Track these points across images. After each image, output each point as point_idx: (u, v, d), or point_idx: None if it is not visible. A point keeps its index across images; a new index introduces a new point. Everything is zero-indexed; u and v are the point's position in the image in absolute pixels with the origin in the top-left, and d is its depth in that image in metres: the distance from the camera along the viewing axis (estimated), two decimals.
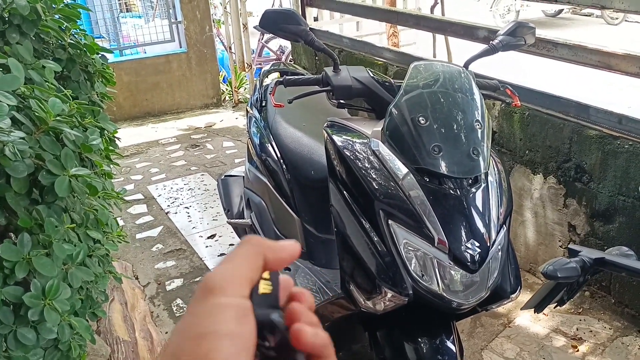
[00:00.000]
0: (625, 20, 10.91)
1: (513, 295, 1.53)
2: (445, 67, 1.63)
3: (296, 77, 1.82)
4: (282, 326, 0.38)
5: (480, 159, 1.47)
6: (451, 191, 1.44)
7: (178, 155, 4.51)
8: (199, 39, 5.46)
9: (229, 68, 6.22)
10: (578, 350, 2.19)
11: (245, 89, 6.08)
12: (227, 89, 6.14)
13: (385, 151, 1.51)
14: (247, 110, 2.71)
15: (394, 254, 1.43)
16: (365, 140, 1.57)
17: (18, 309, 1.15)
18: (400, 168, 1.47)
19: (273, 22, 1.74)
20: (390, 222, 1.44)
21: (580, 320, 2.33)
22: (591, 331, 2.28)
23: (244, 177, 2.81)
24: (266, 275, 0.40)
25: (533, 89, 2.41)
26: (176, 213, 3.56)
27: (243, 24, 5.51)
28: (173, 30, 5.48)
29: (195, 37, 5.44)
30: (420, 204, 1.41)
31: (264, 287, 0.40)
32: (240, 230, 2.62)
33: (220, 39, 6.84)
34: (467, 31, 2.78)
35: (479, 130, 1.51)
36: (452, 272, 1.40)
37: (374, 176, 1.50)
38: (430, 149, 1.44)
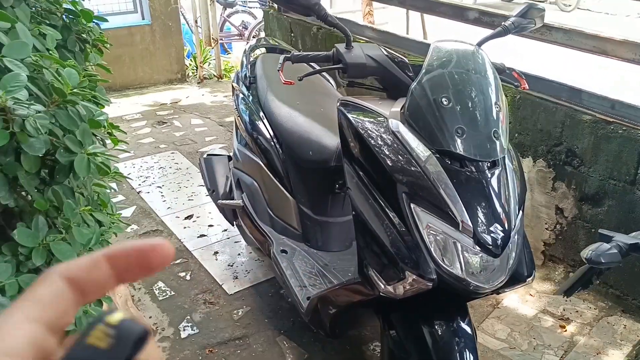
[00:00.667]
0: (578, 8, 11.24)
1: (529, 279, 1.53)
2: (465, 48, 1.59)
3: (305, 53, 1.74)
4: None
5: (500, 141, 1.45)
6: (473, 174, 1.42)
7: (145, 133, 4.33)
8: (164, 11, 5.24)
9: (193, 42, 6.02)
10: (566, 330, 2.24)
11: (209, 64, 5.90)
12: (190, 64, 5.94)
13: (405, 132, 1.47)
14: (232, 86, 2.61)
15: (416, 237, 1.40)
16: (384, 121, 1.53)
17: None
18: (422, 150, 1.43)
19: None
20: (412, 205, 1.41)
21: (566, 300, 2.39)
22: (577, 311, 2.34)
23: (229, 156, 2.72)
24: (114, 319, 0.28)
25: (526, 73, 2.42)
26: (149, 192, 3.42)
27: None
28: (136, 1, 5.22)
29: (159, 9, 5.21)
30: (445, 188, 1.39)
31: (98, 338, 0.27)
32: (228, 212, 2.54)
33: (181, 12, 6.60)
34: (456, 12, 2.76)
35: (499, 113, 1.49)
36: (475, 256, 1.39)
37: (394, 158, 1.46)
38: (454, 131, 1.42)
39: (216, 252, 2.81)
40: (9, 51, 1.07)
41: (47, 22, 1.47)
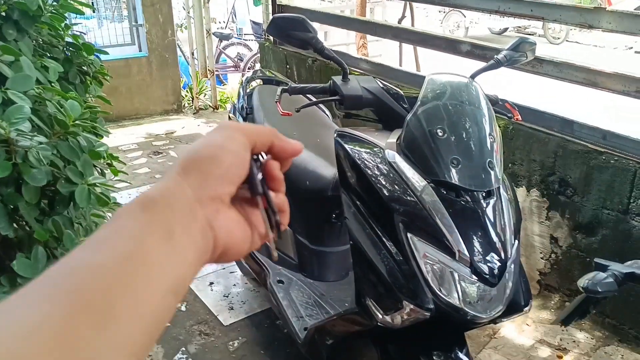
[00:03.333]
0: (567, 40, 11.46)
1: (526, 308, 1.53)
2: (459, 80, 1.63)
3: (302, 85, 1.78)
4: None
5: (495, 171, 1.47)
6: (469, 204, 1.43)
7: (141, 163, 4.35)
8: (161, 43, 5.31)
9: (189, 74, 6.08)
10: None
11: (205, 95, 5.95)
12: (186, 95, 5.99)
13: (401, 163, 1.49)
14: (229, 117, 2.64)
15: (414, 267, 1.41)
16: (380, 152, 1.55)
17: None
18: (418, 180, 1.45)
19: (281, 29, 1.69)
20: (409, 234, 1.42)
21: (562, 330, 2.39)
22: (574, 341, 2.33)
23: None
24: None
25: (518, 104, 2.46)
26: None
27: (206, 30, 5.40)
28: (133, 34, 5.30)
29: (156, 42, 5.29)
30: (441, 217, 1.40)
31: None
32: None
33: (177, 44, 6.68)
34: (449, 45, 2.82)
35: (493, 143, 1.52)
36: (471, 286, 1.39)
37: (390, 188, 1.48)
38: (449, 162, 1.44)
39: (211, 283, 2.79)
40: (13, 84, 1.09)
41: (49, 54, 1.50)
